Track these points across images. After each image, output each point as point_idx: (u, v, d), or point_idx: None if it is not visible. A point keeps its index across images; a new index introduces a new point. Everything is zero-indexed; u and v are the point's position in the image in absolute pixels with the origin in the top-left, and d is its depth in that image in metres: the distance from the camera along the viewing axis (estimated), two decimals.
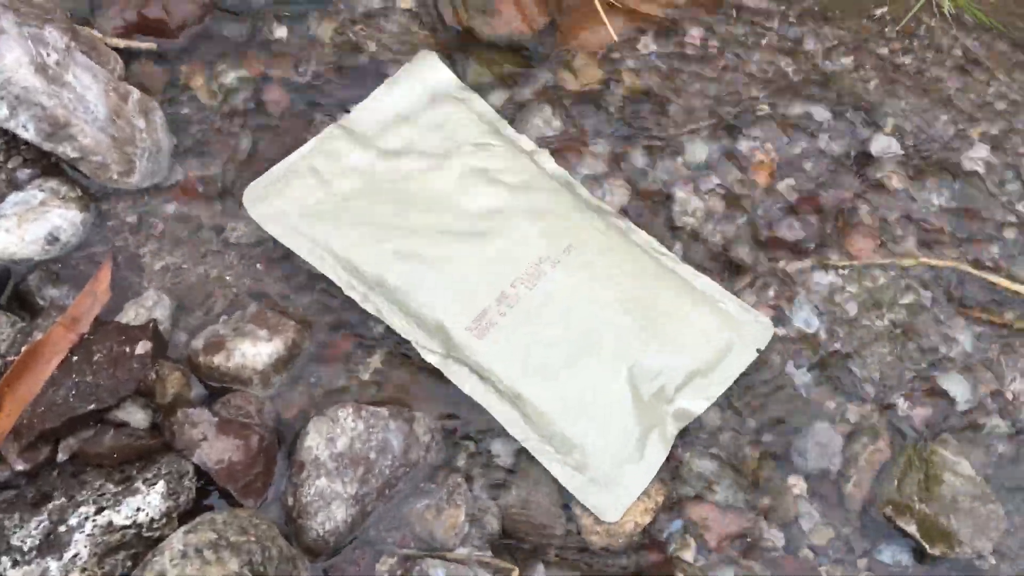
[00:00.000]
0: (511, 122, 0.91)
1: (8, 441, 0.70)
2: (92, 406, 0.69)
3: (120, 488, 0.69)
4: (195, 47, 0.92)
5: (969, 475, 0.80)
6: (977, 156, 0.94)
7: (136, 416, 0.72)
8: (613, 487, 0.76)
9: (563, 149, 0.91)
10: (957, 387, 0.84)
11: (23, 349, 0.71)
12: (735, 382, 0.81)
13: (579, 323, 0.79)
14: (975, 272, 0.88)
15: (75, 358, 0.72)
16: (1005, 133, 0.95)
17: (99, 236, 0.83)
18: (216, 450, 0.71)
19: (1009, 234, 0.91)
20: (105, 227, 0.84)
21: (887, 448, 0.81)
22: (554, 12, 0.97)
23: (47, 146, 0.81)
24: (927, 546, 0.76)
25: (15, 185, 0.82)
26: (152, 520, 0.68)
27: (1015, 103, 0.97)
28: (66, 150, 0.81)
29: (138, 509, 0.68)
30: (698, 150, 0.93)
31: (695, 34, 0.98)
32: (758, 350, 0.83)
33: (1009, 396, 0.84)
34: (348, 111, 0.89)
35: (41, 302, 0.78)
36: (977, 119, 0.96)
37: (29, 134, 0.80)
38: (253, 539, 0.66)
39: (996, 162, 0.94)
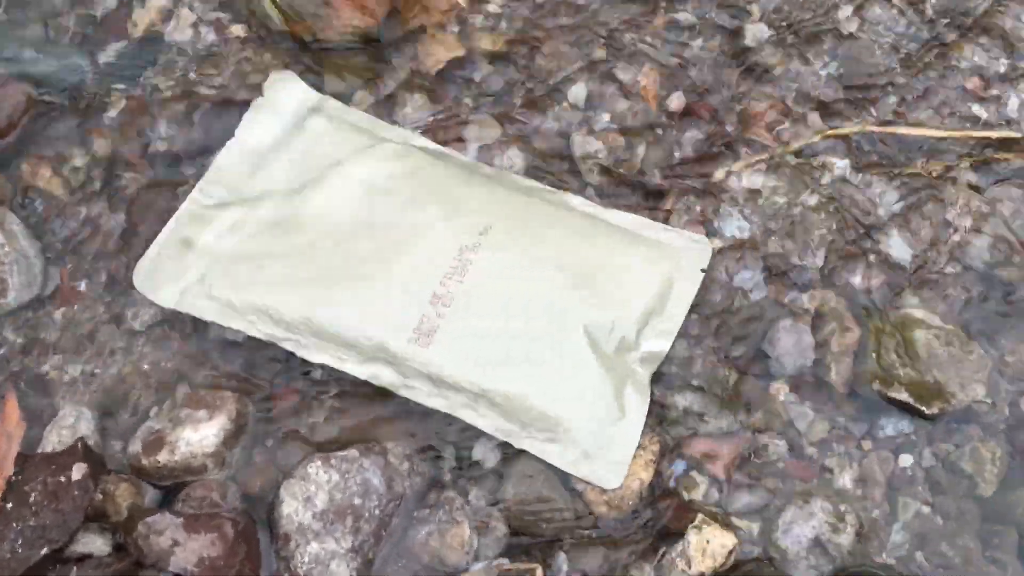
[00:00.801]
0: (384, 118, 0.87)
1: None
2: (45, 550, 0.63)
3: None
4: (30, 141, 0.85)
5: (940, 327, 0.79)
6: (848, 15, 0.93)
7: (96, 544, 0.66)
8: (606, 452, 0.73)
9: (446, 130, 0.87)
10: (899, 248, 0.84)
11: None
12: (690, 309, 0.79)
13: (520, 300, 0.76)
14: (881, 130, 0.88)
15: (9, 505, 0.65)
16: None
17: None
18: (191, 552, 0.66)
19: (900, 79, 0.90)
20: None
21: (855, 327, 0.80)
22: None
23: None
24: (923, 408, 0.76)
25: None
26: None
27: None
28: None
29: None
30: (579, 92, 0.89)
31: None
32: (702, 270, 0.80)
33: (949, 242, 0.84)
34: (213, 159, 0.83)
35: None
36: None
37: None
38: None
39: (868, 15, 0.93)
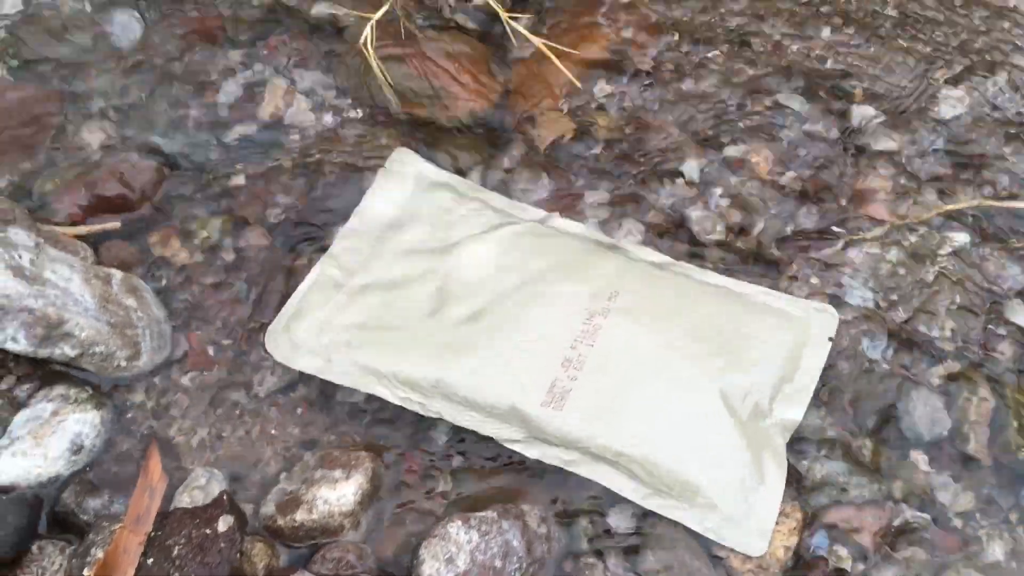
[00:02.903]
0: (503, 194, 0.88)
1: None
2: None
3: None
4: (160, 213, 0.87)
5: None
6: (950, 96, 0.95)
7: None
8: (748, 519, 0.71)
9: (564, 206, 0.88)
10: None
11: (91, 569, 0.63)
12: (821, 378, 0.78)
13: (651, 363, 0.75)
14: (997, 204, 0.88)
15: (150, 560, 0.64)
16: (966, 69, 0.96)
17: (123, 431, 0.76)
18: None
19: (1010, 156, 0.91)
20: (125, 420, 0.76)
21: (990, 396, 0.78)
22: (505, 79, 0.96)
23: (42, 352, 0.74)
24: None
25: (17, 405, 0.75)
26: None
27: (964, 39, 0.98)
28: (64, 350, 0.74)
29: None
30: (691, 168, 0.91)
31: (647, 64, 0.97)
32: (830, 339, 0.80)
33: None
34: (339, 227, 0.85)
35: (85, 517, 0.70)
36: (935, 63, 0.97)
37: (20, 345, 0.73)
38: None
39: (969, 98, 0.95)
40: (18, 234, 0.75)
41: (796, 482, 0.74)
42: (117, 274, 0.80)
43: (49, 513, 0.71)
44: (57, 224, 0.83)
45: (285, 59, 0.97)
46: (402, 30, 0.95)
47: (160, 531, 0.65)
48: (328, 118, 0.95)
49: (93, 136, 0.91)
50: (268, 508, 0.71)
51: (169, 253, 0.85)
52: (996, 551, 0.72)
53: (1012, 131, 0.92)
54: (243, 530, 0.65)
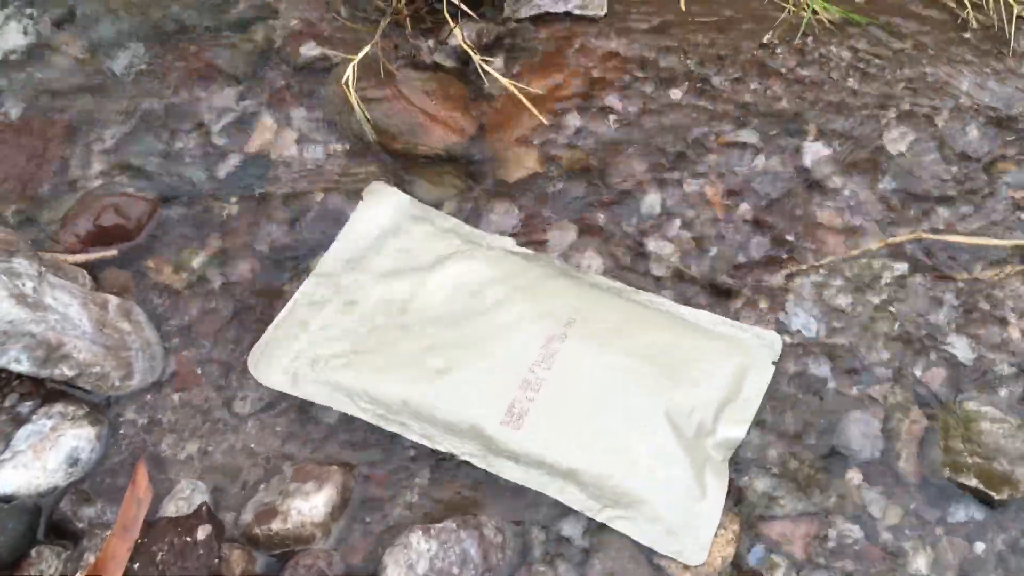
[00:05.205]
0: (472, 224, 0.95)
1: None
2: None
3: None
4: (154, 242, 0.94)
5: (1002, 419, 0.83)
6: (896, 136, 1.01)
7: None
8: (689, 530, 0.77)
9: (529, 236, 0.94)
10: (961, 347, 0.88)
11: (83, 573, 0.69)
12: (763, 398, 0.84)
13: (604, 386, 0.81)
14: (935, 237, 0.94)
15: (136, 565, 0.70)
16: (913, 108, 1.02)
17: (116, 445, 0.82)
18: None
19: (951, 194, 0.97)
20: (119, 435, 0.83)
21: (921, 418, 0.84)
22: (479, 115, 1.02)
23: (43, 373, 0.80)
24: (993, 494, 0.79)
25: (19, 421, 0.81)
26: None
27: (911, 80, 1.04)
28: (62, 371, 0.81)
29: None
30: (652, 201, 0.97)
31: (612, 102, 1.03)
32: (773, 363, 0.86)
33: (1007, 340, 0.88)
34: (319, 257, 0.91)
35: (80, 525, 0.77)
36: (885, 104, 1.03)
37: (23, 366, 0.79)
38: None
39: (914, 136, 1.01)
40: (21, 263, 0.81)
41: (736, 496, 0.80)
42: (113, 299, 0.86)
43: (47, 521, 0.78)
44: (58, 252, 0.90)
45: (274, 97, 1.03)
46: (381, 70, 1.02)
47: (146, 538, 0.71)
48: (313, 151, 1.01)
49: (93, 168, 0.97)
50: (247, 517, 0.77)
51: (162, 279, 0.92)
52: (920, 563, 0.78)
53: (953, 171, 0.98)
54: (220, 538, 0.71)
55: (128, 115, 1.02)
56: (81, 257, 0.91)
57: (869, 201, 0.97)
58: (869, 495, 0.81)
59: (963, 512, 0.80)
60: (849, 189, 0.97)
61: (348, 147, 1.01)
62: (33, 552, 0.75)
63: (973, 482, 0.79)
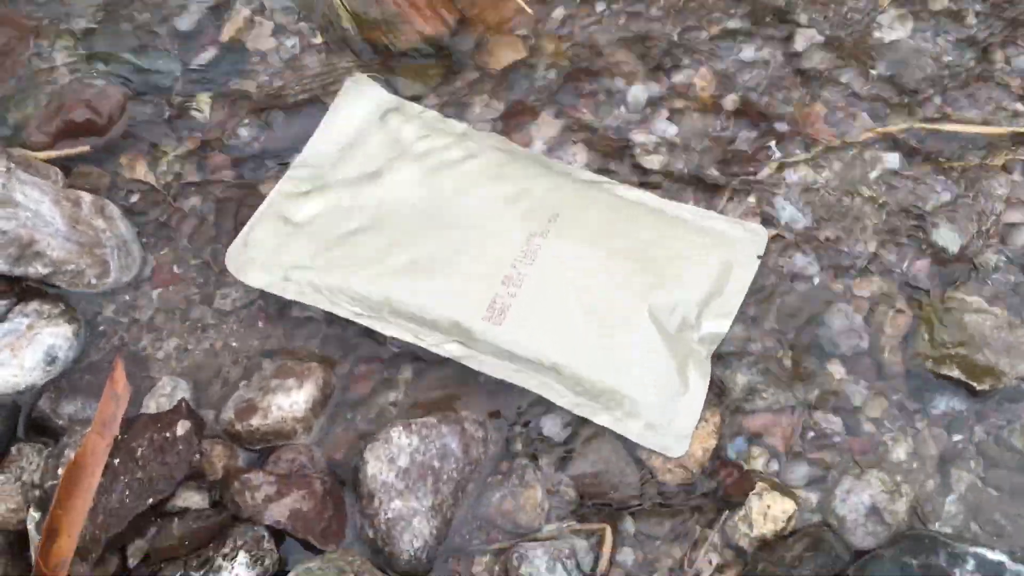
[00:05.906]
0: (454, 118, 0.92)
1: (76, 564, 0.68)
2: (151, 500, 0.68)
3: (203, 572, 0.68)
4: (127, 138, 0.91)
5: (987, 310, 0.82)
6: (890, 23, 0.97)
7: (194, 499, 0.71)
8: (670, 424, 0.77)
9: (512, 128, 0.92)
10: (948, 236, 0.87)
11: (64, 468, 0.69)
12: (748, 292, 0.83)
13: (587, 282, 0.80)
14: (928, 126, 0.92)
15: (116, 461, 0.70)
16: None
17: (94, 343, 0.82)
18: (284, 506, 0.70)
19: (947, 82, 0.94)
20: (97, 332, 0.82)
21: (907, 310, 0.84)
22: (461, 4, 0.99)
23: (17, 271, 0.79)
24: (975, 384, 0.79)
25: None
26: None
27: None
28: (36, 269, 0.80)
29: None
30: (638, 94, 0.94)
31: None
32: (758, 256, 0.85)
33: (995, 231, 0.87)
34: (298, 152, 0.89)
35: (60, 422, 0.77)
36: None
37: None
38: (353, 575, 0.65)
39: (910, 22, 0.97)
40: None
41: (718, 389, 0.80)
42: (86, 196, 0.85)
43: (26, 419, 0.78)
44: (28, 148, 0.88)
45: None
46: None
47: (126, 434, 0.71)
48: (290, 43, 0.98)
49: (61, 62, 0.94)
50: (228, 413, 0.77)
51: (138, 176, 0.90)
52: (900, 453, 0.79)
53: (948, 58, 0.95)
54: (200, 434, 0.71)
55: (98, 7, 0.98)
56: (52, 153, 0.88)
57: (862, 90, 0.94)
58: (851, 388, 0.81)
59: (945, 403, 0.80)
60: (842, 78, 0.95)
61: (327, 39, 0.98)
62: (14, 449, 0.75)
63: (955, 373, 0.79)
